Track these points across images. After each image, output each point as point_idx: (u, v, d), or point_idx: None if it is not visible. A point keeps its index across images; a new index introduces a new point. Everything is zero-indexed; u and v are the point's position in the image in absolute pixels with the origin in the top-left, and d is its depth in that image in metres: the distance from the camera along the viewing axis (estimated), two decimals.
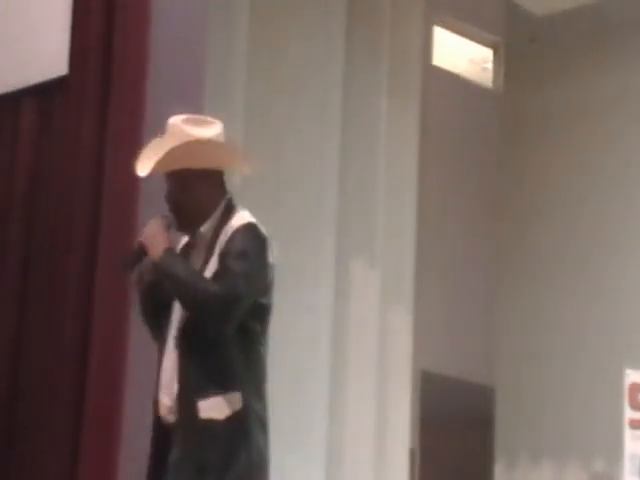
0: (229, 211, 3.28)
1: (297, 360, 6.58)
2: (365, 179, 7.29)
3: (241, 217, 3.25)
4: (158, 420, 3.23)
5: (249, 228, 3.20)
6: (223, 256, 3.15)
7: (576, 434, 8.37)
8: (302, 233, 6.76)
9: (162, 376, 3.22)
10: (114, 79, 5.30)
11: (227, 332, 3.11)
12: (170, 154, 3.20)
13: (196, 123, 3.29)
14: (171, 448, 3.17)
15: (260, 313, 3.21)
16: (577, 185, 8.78)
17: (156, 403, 3.24)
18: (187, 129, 3.25)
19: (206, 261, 3.20)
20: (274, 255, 3.27)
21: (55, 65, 5.53)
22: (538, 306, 8.77)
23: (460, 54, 9.87)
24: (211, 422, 3.10)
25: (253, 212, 6.98)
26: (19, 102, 5.70)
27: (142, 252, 3.22)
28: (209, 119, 3.34)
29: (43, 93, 5.61)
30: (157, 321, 3.30)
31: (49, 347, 5.18)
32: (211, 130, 3.30)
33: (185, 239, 3.33)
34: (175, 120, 3.30)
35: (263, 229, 3.24)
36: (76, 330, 5.09)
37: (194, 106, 5.23)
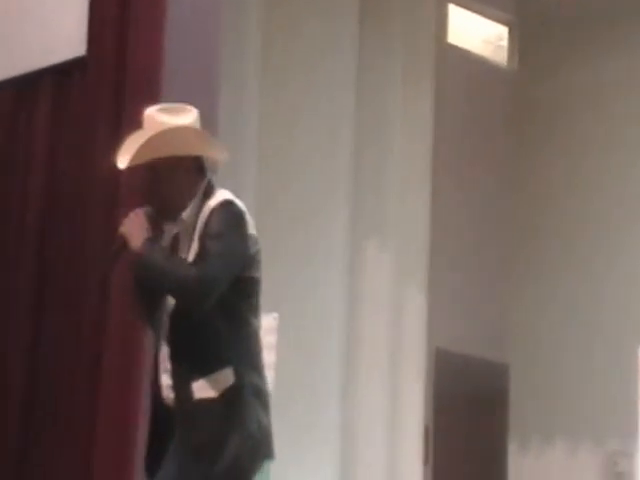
0: (208, 194, 3.30)
1: (311, 340, 6.64)
2: (379, 158, 7.32)
3: (218, 196, 3.28)
4: (157, 403, 3.29)
5: (224, 205, 3.24)
6: (202, 238, 3.21)
7: (590, 413, 8.39)
8: (316, 213, 6.80)
9: (162, 360, 3.28)
10: (130, 60, 5.31)
11: (208, 310, 3.16)
12: (145, 145, 3.24)
13: (171, 112, 3.32)
14: (171, 432, 3.23)
15: (246, 286, 3.25)
16: (592, 163, 8.77)
17: (155, 385, 3.30)
18: (161, 118, 3.29)
19: (190, 245, 3.25)
20: (253, 228, 3.28)
21: (72, 46, 5.54)
22: (552, 285, 8.79)
23: (475, 32, 9.85)
24: (206, 401, 3.16)
25: (268, 192, 7.03)
26: (36, 83, 5.71)
27: (124, 244, 3.26)
28: (185, 107, 3.37)
29: (60, 74, 5.62)
30: (150, 308, 3.35)
31: (65, 344, 5.19)
32: (186, 118, 3.33)
33: (175, 229, 3.37)
34: (150, 110, 3.34)
35: (239, 204, 3.27)
36: (92, 332, 5.11)
37: (209, 87, 5.27)
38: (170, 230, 3.35)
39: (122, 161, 3.30)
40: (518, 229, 9.09)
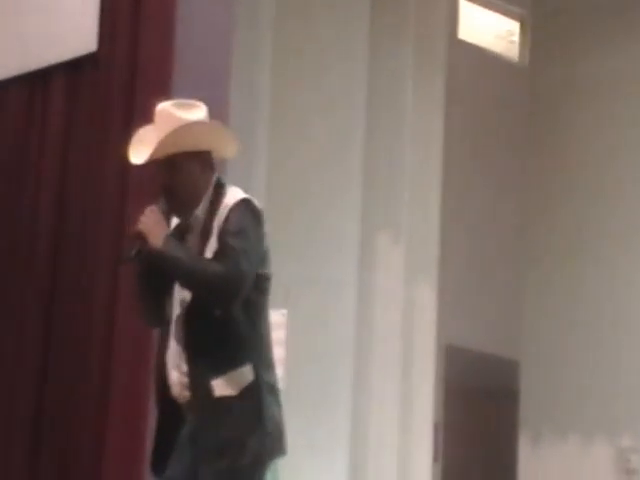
0: (220, 190, 3.28)
1: (322, 334, 6.62)
2: (390, 153, 7.30)
3: (233, 195, 3.26)
4: (165, 400, 3.27)
5: (243, 204, 3.22)
6: (222, 235, 3.18)
7: (602, 408, 8.36)
8: (327, 208, 6.78)
9: (169, 356, 3.25)
10: (142, 55, 5.32)
11: (234, 309, 3.16)
12: (166, 139, 3.21)
13: (184, 107, 3.30)
14: (180, 426, 3.22)
15: (260, 283, 3.24)
16: (606, 156, 8.72)
17: (159, 383, 3.27)
18: (178, 113, 3.26)
19: (204, 242, 3.22)
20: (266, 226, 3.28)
21: (84, 42, 5.55)
22: (563, 279, 8.75)
23: (486, 28, 9.82)
24: (225, 399, 3.14)
25: (280, 188, 7.01)
26: (49, 78, 5.72)
27: (141, 241, 3.21)
28: (195, 102, 3.35)
29: (72, 70, 5.63)
30: (156, 305, 3.31)
31: (76, 342, 5.21)
32: (199, 113, 3.31)
33: (175, 223, 3.33)
34: (163, 106, 3.31)
35: (257, 203, 3.26)
36: (102, 331, 5.12)
37: (220, 82, 5.26)
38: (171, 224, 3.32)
39: (138, 156, 3.28)
40: (530, 225, 9.06)
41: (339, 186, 6.91)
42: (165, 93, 5.03)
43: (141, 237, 3.22)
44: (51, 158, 5.61)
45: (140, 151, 3.28)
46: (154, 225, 3.22)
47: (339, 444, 6.71)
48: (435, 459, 7.84)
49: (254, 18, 6.40)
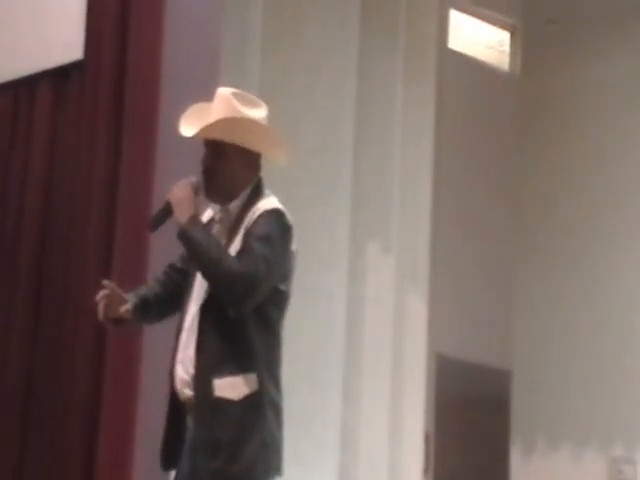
0: (257, 193, 3.29)
1: (311, 344, 6.58)
2: (380, 162, 7.27)
3: (269, 201, 3.27)
4: (173, 394, 3.24)
5: (275, 213, 3.22)
6: (247, 237, 3.17)
7: (594, 418, 8.34)
8: (317, 216, 6.75)
9: (179, 349, 3.23)
10: (129, 62, 5.31)
11: (244, 312, 3.12)
12: (219, 124, 3.22)
13: (245, 101, 3.31)
14: (185, 423, 3.19)
15: (279, 300, 3.24)
16: (597, 166, 8.72)
17: (172, 375, 3.25)
18: (235, 103, 3.27)
19: (230, 239, 3.22)
20: (296, 244, 3.31)
21: (71, 49, 5.55)
22: (556, 291, 8.73)
23: (477, 37, 9.82)
24: (225, 401, 3.10)
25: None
26: (35, 86, 5.71)
27: (169, 212, 3.22)
28: (256, 99, 3.37)
29: (59, 77, 5.63)
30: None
31: (63, 339, 5.21)
32: (259, 112, 3.32)
33: (209, 215, 3.35)
34: (224, 92, 3.32)
35: (289, 217, 3.26)
36: (92, 327, 5.10)
37: (209, 88, 5.23)
38: (203, 211, 3.32)
39: (188, 130, 3.29)
40: (522, 234, 9.04)
41: (328, 194, 6.88)
42: (153, 99, 5.02)
43: (168, 207, 3.21)
44: (38, 165, 5.60)
45: (190, 126, 3.29)
46: (183, 199, 3.20)
47: (328, 455, 6.67)
48: (426, 470, 7.80)
49: (243, 25, 6.37)
